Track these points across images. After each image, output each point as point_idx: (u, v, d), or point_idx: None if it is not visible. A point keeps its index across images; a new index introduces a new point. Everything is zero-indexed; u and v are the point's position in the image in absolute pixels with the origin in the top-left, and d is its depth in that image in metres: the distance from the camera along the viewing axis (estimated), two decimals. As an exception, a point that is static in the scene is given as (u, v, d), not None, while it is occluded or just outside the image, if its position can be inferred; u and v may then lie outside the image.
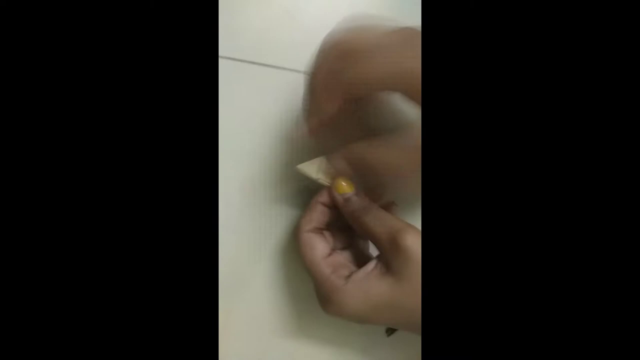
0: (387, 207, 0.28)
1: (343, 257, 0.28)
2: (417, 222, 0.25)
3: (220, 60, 0.30)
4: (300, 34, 0.32)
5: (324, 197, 0.28)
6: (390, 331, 0.32)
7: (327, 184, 0.28)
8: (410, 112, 0.26)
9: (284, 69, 0.32)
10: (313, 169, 0.28)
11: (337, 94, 0.23)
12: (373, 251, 0.30)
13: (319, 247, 0.27)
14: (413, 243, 0.23)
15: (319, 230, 0.28)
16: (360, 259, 0.28)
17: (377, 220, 0.25)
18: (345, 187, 0.27)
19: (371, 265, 0.25)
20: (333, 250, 0.28)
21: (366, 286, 0.24)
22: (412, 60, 0.21)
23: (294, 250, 0.31)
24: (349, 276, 0.25)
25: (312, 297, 0.28)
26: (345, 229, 0.29)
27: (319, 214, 0.28)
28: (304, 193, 0.32)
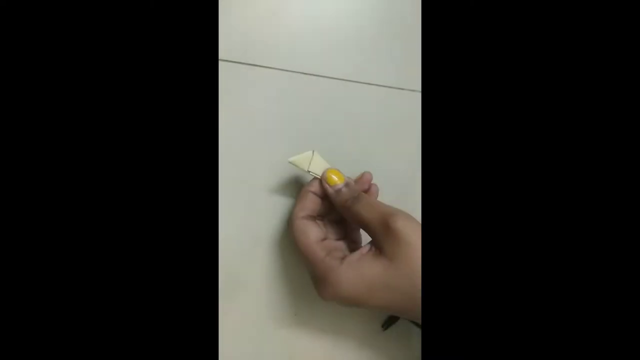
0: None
1: (337, 244, 0.29)
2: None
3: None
4: (286, 35, 0.32)
5: (314, 187, 0.28)
6: (386, 325, 0.32)
7: (318, 175, 0.28)
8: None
9: (271, 68, 0.31)
10: (305, 162, 0.29)
11: None
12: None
13: (313, 231, 0.27)
14: (404, 226, 0.24)
15: (312, 218, 0.28)
16: (353, 250, 0.29)
17: (368, 207, 0.26)
18: (335, 179, 0.28)
19: (365, 248, 0.26)
20: (326, 237, 0.28)
21: (361, 266, 0.24)
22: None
23: (290, 243, 0.31)
24: (343, 258, 0.25)
25: (309, 289, 0.28)
26: (338, 222, 0.30)
27: (310, 203, 0.28)
28: (299, 186, 0.32)
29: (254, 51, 0.31)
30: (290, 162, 0.28)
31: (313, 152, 0.28)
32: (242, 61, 0.31)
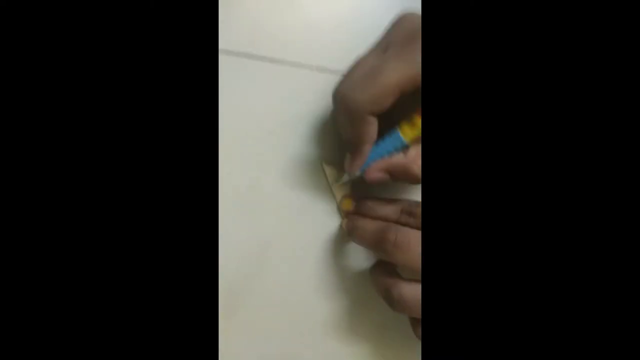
0: None
1: None
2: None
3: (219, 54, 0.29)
4: (303, 26, 0.30)
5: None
6: None
7: (335, 195, 0.30)
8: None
9: (284, 62, 0.30)
10: (333, 175, 0.30)
11: (361, 115, 0.25)
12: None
13: None
14: None
15: None
16: None
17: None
18: (349, 206, 0.29)
19: None
20: None
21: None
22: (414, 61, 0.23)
23: (294, 257, 0.30)
24: None
25: (312, 304, 0.27)
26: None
27: None
28: (305, 192, 0.31)
29: (261, 43, 0.29)
30: (322, 166, 0.29)
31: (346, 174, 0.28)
32: (251, 54, 0.30)
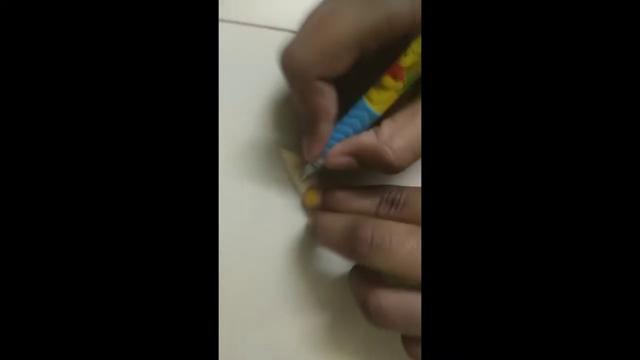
0: None
1: None
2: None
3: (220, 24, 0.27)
4: None
5: None
6: None
7: (297, 187, 0.25)
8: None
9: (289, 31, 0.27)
10: (294, 164, 0.25)
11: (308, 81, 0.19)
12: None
13: None
14: None
15: None
16: None
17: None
18: (314, 200, 0.24)
19: None
20: None
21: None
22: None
23: (254, 264, 0.26)
24: None
25: (279, 319, 0.25)
26: None
27: None
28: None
29: (263, 12, 0.27)
30: (279, 151, 0.25)
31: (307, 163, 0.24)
32: (251, 23, 0.27)
